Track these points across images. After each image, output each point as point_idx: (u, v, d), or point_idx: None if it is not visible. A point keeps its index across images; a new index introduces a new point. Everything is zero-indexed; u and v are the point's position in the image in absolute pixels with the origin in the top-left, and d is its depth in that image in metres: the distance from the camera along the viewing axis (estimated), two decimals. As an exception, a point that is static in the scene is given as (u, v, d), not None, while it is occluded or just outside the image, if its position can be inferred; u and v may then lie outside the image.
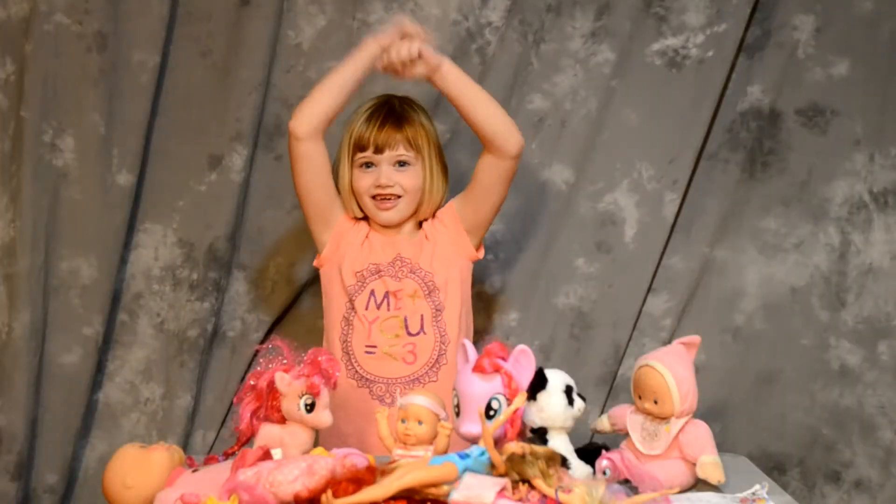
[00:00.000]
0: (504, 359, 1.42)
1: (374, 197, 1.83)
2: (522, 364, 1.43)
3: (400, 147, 1.82)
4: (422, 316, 1.81)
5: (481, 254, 1.88)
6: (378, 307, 1.81)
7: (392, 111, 1.85)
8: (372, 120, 1.83)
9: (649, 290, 2.13)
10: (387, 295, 1.82)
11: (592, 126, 2.11)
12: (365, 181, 1.83)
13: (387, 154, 1.82)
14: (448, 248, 1.85)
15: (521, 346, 1.43)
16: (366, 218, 1.88)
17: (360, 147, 1.83)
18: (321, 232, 1.86)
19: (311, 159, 1.79)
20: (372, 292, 1.82)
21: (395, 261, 1.83)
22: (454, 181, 1.98)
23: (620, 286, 2.12)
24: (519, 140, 1.79)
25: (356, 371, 1.80)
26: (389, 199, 1.83)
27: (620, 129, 2.11)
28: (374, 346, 1.80)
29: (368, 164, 1.83)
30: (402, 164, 1.83)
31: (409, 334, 1.81)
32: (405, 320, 1.81)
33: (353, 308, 1.82)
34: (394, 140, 1.82)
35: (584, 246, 2.13)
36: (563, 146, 2.12)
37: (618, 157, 2.12)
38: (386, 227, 1.86)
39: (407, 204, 1.84)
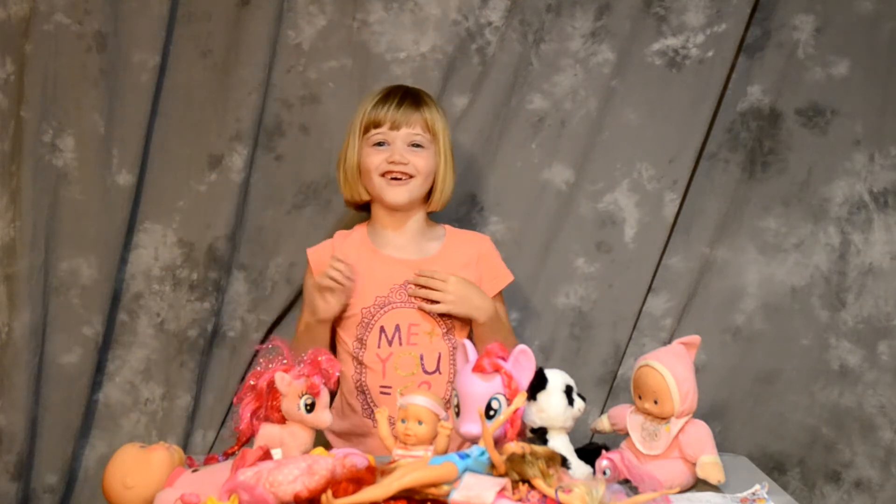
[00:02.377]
0: (504, 359, 1.42)
1: (384, 175, 1.78)
2: (522, 364, 1.42)
3: (417, 126, 1.77)
4: (439, 354, 1.78)
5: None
6: (390, 343, 1.77)
7: (409, 93, 1.81)
8: (389, 99, 1.78)
9: (649, 290, 2.12)
10: (397, 329, 1.77)
11: (592, 126, 2.11)
12: (376, 157, 1.77)
13: (403, 131, 1.76)
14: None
15: (521, 346, 1.43)
16: (365, 213, 1.86)
17: (374, 124, 1.77)
18: None
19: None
20: (382, 329, 1.77)
21: (407, 285, 1.79)
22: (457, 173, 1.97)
23: (620, 286, 2.12)
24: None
25: (372, 411, 1.77)
26: (402, 177, 1.77)
27: (620, 129, 2.11)
28: (389, 387, 1.77)
29: (381, 143, 1.78)
30: (416, 146, 1.78)
31: (425, 372, 1.77)
32: (421, 358, 1.77)
33: (363, 347, 1.78)
34: (412, 119, 1.76)
35: (584, 246, 2.12)
36: (563, 146, 2.11)
37: (618, 157, 2.12)
38: (394, 209, 1.81)
39: (419, 186, 1.79)
